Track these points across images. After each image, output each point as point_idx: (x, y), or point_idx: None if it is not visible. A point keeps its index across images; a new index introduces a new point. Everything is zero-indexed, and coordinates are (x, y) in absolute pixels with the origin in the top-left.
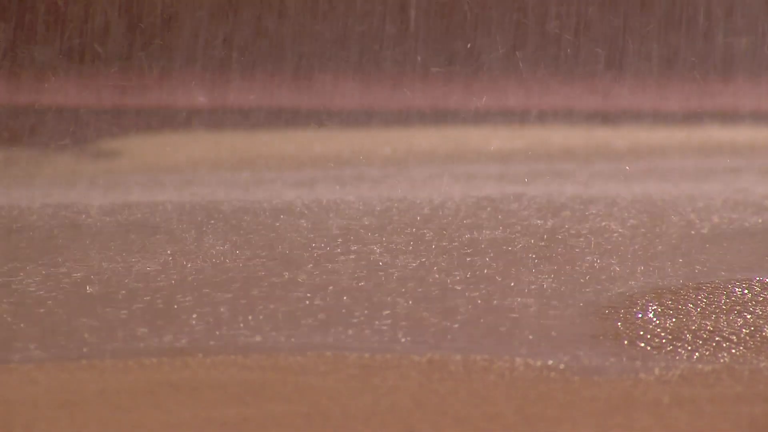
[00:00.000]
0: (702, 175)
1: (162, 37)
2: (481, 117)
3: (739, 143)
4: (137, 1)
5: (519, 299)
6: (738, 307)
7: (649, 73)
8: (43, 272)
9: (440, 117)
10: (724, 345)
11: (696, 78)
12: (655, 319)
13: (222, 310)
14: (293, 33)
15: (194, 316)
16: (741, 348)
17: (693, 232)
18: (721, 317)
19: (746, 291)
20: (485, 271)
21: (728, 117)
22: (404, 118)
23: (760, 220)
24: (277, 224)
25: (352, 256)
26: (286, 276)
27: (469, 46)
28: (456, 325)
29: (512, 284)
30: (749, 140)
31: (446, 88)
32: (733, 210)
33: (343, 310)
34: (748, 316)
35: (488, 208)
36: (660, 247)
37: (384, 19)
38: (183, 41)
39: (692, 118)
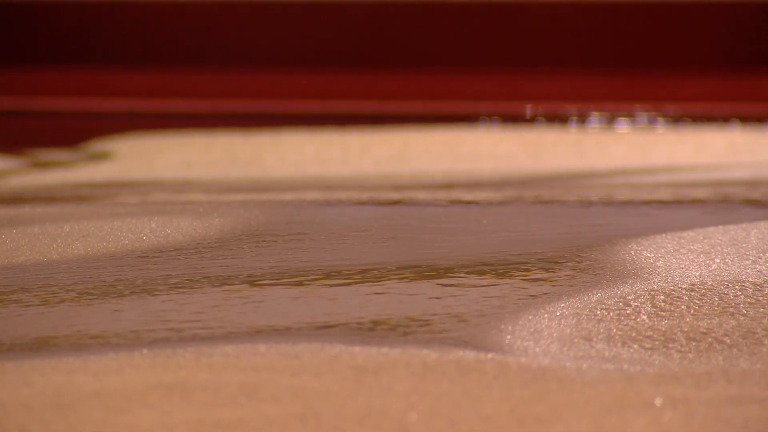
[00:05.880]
0: None
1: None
2: None
3: None
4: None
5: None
6: (731, 309)
7: None
8: None
9: None
10: (717, 347)
11: None
12: (648, 321)
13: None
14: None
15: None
16: (734, 350)
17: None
18: (714, 319)
19: (739, 293)
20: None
21: None
22: None
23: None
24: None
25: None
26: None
27: None
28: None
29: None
30: None
31: None
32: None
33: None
34: (741, 318)
35: None
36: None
37: None
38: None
39: None
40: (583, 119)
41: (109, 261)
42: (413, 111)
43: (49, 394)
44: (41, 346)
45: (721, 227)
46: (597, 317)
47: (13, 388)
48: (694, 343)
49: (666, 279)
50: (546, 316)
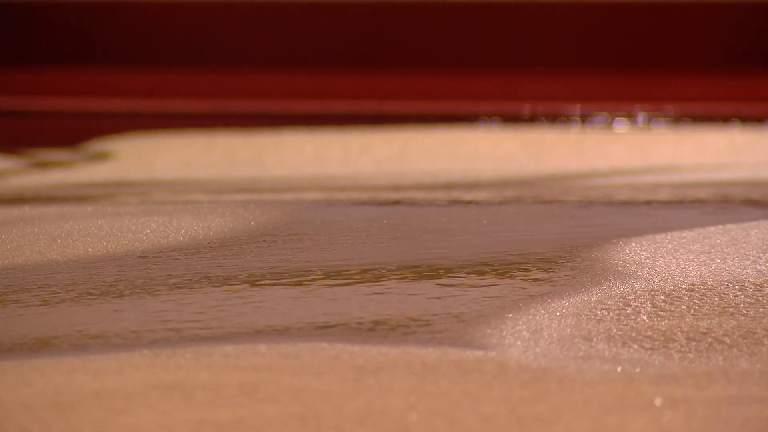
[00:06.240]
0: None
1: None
2: None
3: None
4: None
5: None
6: (731, 309)
7: None
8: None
9: None
10: (717, 347)
11: None
12: (648, 321)
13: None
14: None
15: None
16: (734, 350)
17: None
18: (714, 319)
19: (739, 293)
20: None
21: None
22: None
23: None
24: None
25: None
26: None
27: None
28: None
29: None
30: None
31: None
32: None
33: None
34: (741, 318)
35: None
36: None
37: None
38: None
39: None
40: (583, 119)
41: (109, 261)
42: (413, 111)
43: (49, 394)
44: (41, 346)
45: (721, 227)
46: (597, 317)
47: (13, 388)
48: (694, 343)
49: (666, 279)
50: (546, 316)
